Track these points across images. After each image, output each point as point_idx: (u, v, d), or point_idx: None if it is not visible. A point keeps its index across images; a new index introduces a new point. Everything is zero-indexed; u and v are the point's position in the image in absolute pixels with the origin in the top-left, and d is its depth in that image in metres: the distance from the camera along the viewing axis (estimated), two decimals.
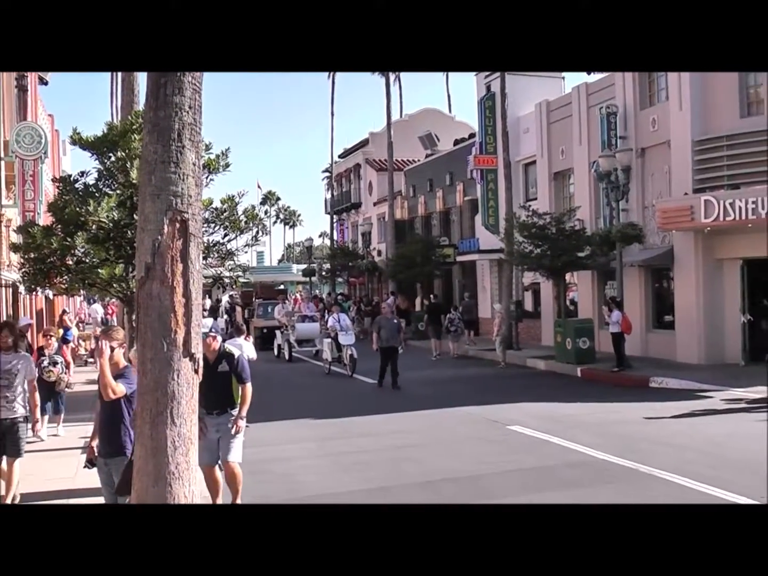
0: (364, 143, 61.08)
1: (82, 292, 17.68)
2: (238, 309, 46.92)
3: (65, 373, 16.78)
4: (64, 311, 33.28)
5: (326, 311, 37.24)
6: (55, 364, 16.52)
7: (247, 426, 16.91)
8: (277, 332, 35.65)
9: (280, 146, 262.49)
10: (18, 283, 18.75)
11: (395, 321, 24.74)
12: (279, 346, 35.16)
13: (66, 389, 16.93)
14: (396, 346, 23.90)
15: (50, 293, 28.13)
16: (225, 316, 49.31)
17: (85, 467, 9.40)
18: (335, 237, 66.35)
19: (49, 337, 17.07)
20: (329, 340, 28.76)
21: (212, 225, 12.43)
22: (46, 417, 16.42)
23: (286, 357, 33.71)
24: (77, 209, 10.80)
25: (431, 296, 39.74)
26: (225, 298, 55.42)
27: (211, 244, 12.51)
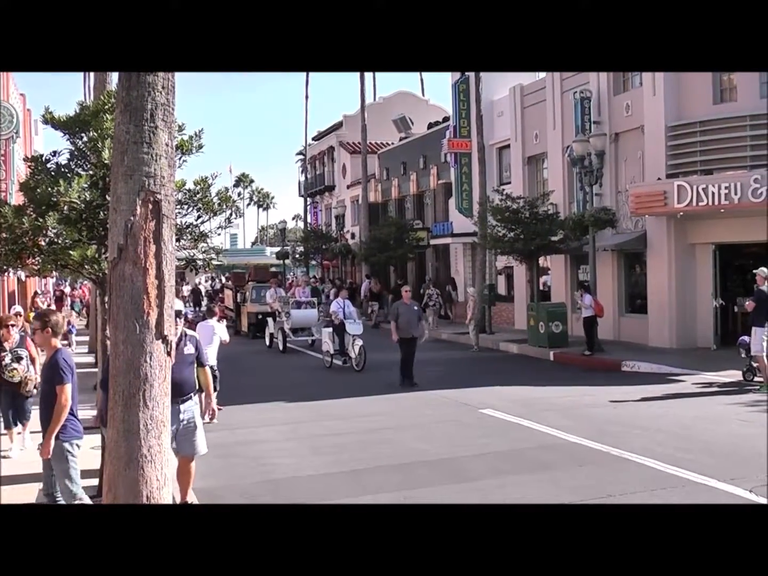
0: (337, 126, 61.01)
1: (54, 273, 17.07)
2: (228, 293, 42.40)
3: (31, 370, 13.38)
4: (36, 293, 32.99)
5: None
6: (19, 359, 13.20)
7: (219, 409, 16.99)
8: (269, 319, 32.35)
9: (254, 128, 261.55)
10: None
11: (415, 308, 21.52)
12: (271, 335, 31.97)
13: (35, 391, 13.00)
14: (416, 336, 21.10)
15: (22, 275, 27.90)
16: (205, 300, 48.63)
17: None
18: (309, 220, 66.26)
19: (9, 327, 13.51)
20: (330, 329, 25.21)
21: (185, 207, 12.34)
22: (16, 430, 13.58)
23: (280, 347, 30.64)
24: (49, 189, 10.70)
25: (398, 281, 43.47)
26: (202, 281, 55.00)
27: (184, 226, 12.42)
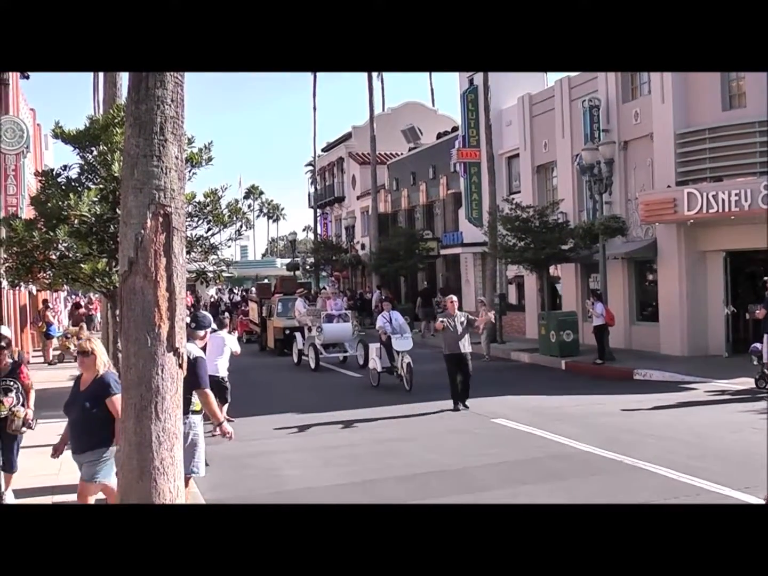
0: (346, 137, 61.08)
1: (65, 287, 17.00)
2: (253, 305, 39.51)
3: (23, 405, 11.27)
4: (46, 306, 32.81)
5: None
6: (7, 392, 11.14)
7: (231, 420, 16.95)
8: (297, 334, 29.65)
9: (263, 140, 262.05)
10: (0, 278, 18.60)
11: (463, 319, 18.94)
12: (300, 351, 29.18)
13: (24, 430, 11.33)
14: (465, 352, 18.81)
15: (33, 288, 27.92)
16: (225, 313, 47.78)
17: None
18: (319, 231, 66.34)
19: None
20: (378, 345, 22.73)
21: (195, 219, 12.41)
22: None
23: (312, 365, 27.73)
24: (59, 203, 10.75)
25: (425, 283, 44.61)
26: (211, 293, 54.89)
27: (195, 239, 12.49)
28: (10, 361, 11.38)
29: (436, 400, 19.44)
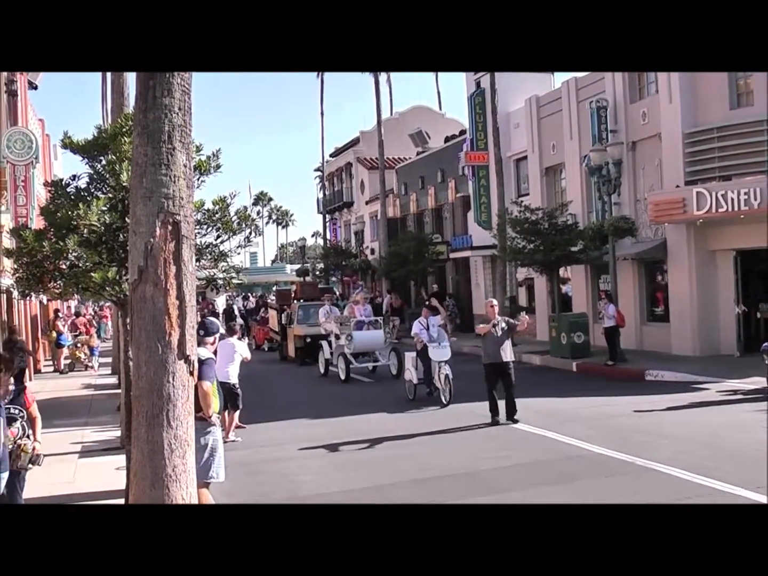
0: (354, 142, 61.09)
1: (76, 296, 17.00)
2: (273, 313, 37.87)
3: (29, 437, 9.40)
4: (57, 315, 32.88)
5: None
6: (11, 421, 9.26)
7: (242, 427, 16.94)
8: (324, 343, 27.39)
9: (271, 146, 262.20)
10: (12, 289, 18.63)
11: (504, 325, 17.24)
12: (327, 360, 27.17)
13: (30, 467, 9.39)
14: (506, 361, 17.14)
15: (44, 298, 27.98)
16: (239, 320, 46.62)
17: None
18: (328, 236, 66.34)
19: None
20: (414, 354, 21.03)
21: (204, 227, 12.40)
22: None
23: (341, 376, 25.61)
24: (69, 213, 10.77)
25: (433, 286, 43.73)
26: (221, 300, 54.81)
27: (204, 246, 12.48)
28: (12, 387, 9.61)
29: (462, 403, 19.39)
